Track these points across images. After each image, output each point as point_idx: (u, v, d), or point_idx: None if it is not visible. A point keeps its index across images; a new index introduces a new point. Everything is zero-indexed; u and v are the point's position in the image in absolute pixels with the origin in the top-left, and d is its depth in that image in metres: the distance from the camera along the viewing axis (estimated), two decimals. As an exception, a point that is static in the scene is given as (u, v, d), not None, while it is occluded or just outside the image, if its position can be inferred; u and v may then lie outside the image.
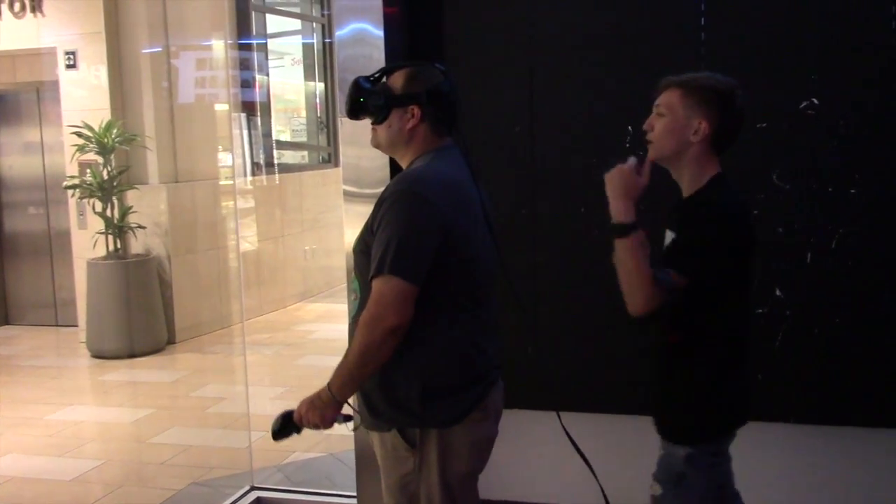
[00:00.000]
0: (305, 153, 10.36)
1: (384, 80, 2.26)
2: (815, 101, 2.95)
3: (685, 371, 2.23)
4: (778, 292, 3.02)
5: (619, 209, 2.13)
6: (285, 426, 2.23)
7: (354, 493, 3.40)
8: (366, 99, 2.22)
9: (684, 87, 2.21)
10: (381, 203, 2.12)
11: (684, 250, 2.15)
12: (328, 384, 2.15)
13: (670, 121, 2.20)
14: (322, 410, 2.15)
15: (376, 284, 2.06)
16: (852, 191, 2.95)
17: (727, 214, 2.18)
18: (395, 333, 2.04)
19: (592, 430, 2.53)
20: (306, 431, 2.22)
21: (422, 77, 2.22)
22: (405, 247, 2.04)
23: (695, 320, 2.18)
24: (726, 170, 2.43)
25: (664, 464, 2.27)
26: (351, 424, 2.24)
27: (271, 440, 2.24)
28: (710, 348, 2.21)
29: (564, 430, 2.37)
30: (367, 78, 2.26)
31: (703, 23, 3.03)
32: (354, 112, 2.26)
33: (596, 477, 2.45)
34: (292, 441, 2.28)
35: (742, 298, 2.26)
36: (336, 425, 2.20)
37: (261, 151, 8.79)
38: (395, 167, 2.74)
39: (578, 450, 2.39)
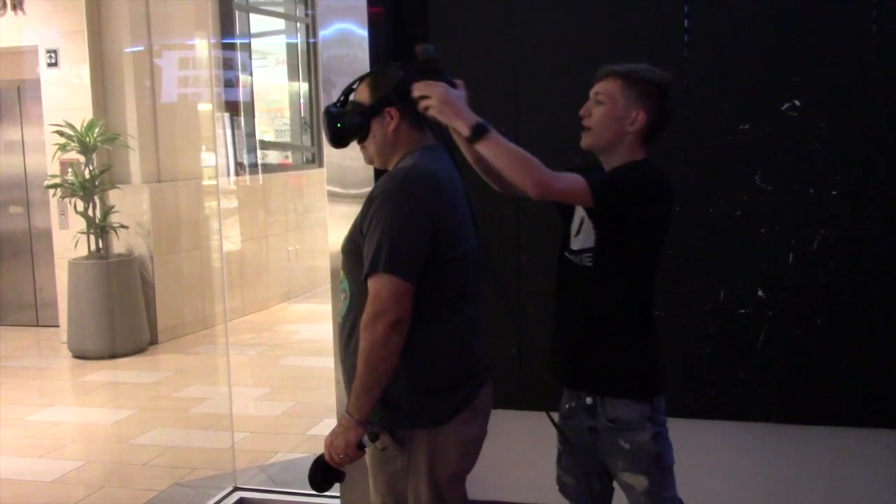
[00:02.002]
0: (289, 153, 10.34)
1: (350, 99, 2.26)
2: (797, 102, 2.97)
3: (632, 327, 2.30)
4: (760, 293, 3.04)
5: (466, 117, 2.13)
6: (323, 472, 2.18)
7: (338, 494, 3.39)
8: (343, 123, 2.23)
9: (625, 78, 2.26)
10: (371, 202, 2.12)
11: (607, 180, 2.23)
12: (346, 407, 2.14)
13: (610, 109, 2.26)
14: (345, 435, 2.12)
15: (372, 284, 2.06)
16: (833, 192, 2.97)
17: (650, 171, 2.26)
18: (397, 328, 2.04)
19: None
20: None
21: (384, 79, 2.23)
22: (398, 244, 2.04)
23: (619, 274, 2.27)
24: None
25: (635, 455, 2.28)
26: (381, 443, 2.19)
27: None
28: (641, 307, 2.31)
29: (554, 424, 2.39)
30: (334, 104, 2.26)
31: (686, 24, 3.05)
32: (338, 140, 2.26)
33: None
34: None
35: (652, 273, 2.33)
36: (366, 448, 2.16)
37: (244, 151, 8.76)
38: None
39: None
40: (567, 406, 2.42)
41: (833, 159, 2.97)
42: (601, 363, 2.31)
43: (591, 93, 2.29)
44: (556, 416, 2.41)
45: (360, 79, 2.28)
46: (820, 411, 3.08)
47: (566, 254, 2.37)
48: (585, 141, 2.30)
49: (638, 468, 2.28)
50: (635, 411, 2.28)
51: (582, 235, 2.31)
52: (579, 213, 2.33)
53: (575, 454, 2.43)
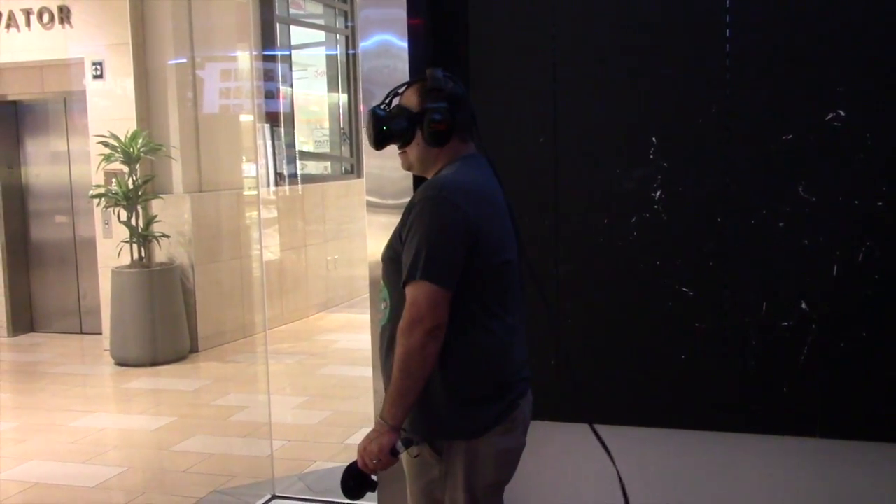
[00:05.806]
0: (328, 164, 10.41)
1: (396, 103, 2.27)
2: (842, 112, 2.93)
3: None
4: (804, 305, 3.00)
5: None
6: (355, 479, 2.17)
7: (376, 502, 3.40)
8: (388, 126, 2.23)
9: None
10: (410, 210, 2.13)
11: None
12: (380, 413, 2.14)
13: None
14: (378, 440, 2.12)
15: (409, 290, 2.07)
16: (879, 203, 2.92)
17: None
18: (434, 335, 2.04)
19: (615, 442, 2.52)
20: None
21: (434, 87, 2.22)
22: (435, 252, 2.05)
23: None
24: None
25: None
26: (414, 450, 2.18)
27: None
28: None
29: (598, 438, 2.37)
30: (379, 107, 2.27)
31: (728, 34, 3.02)
32: (381, 141, 2.26)
33: (623, 487, 2.44)
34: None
35: None
36: (399, 454, 2.14)
37: (284, 162, 8.84)
38: (417, 177, 2.74)
39: (612, 458, 2.38)
40: None
41: (878, 170, 2.92)
42: None
43: None
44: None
45: (408, 84, 2.29)
46: (865, 426, 3.03)
47: None
48: None
49: None
50: None
51: None
52: None
53: None
